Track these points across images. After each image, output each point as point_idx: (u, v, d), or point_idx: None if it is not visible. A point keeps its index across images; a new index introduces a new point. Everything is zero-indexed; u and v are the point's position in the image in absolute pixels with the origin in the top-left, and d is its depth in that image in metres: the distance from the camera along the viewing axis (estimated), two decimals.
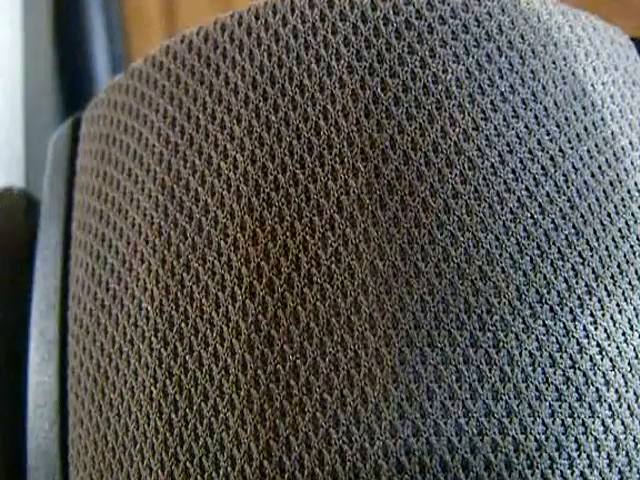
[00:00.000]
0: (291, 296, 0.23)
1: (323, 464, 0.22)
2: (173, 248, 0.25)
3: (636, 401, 0.23)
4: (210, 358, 0.23)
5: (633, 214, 0.25)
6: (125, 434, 0.24)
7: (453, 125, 0.24)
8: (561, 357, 0.22)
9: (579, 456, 0.22)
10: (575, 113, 0.26)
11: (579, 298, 0.23)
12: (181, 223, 0.25)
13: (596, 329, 0.23)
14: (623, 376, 0.23)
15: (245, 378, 0.23)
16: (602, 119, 0.26)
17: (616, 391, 0.22)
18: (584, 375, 0.22)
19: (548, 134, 0.25)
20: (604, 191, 0.25)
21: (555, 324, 0.23)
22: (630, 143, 0.26)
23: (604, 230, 0.24)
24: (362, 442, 0.22)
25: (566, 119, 0.25)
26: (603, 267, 0.24)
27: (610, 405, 0.22)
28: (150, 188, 0.26)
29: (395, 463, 0.21)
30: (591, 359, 0.23)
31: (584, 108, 0.26)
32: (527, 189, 0.24)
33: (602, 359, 0.23)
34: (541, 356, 0.22)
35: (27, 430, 0.27)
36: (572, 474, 0.22)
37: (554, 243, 0.23)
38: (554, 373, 0.22)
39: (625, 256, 0.24)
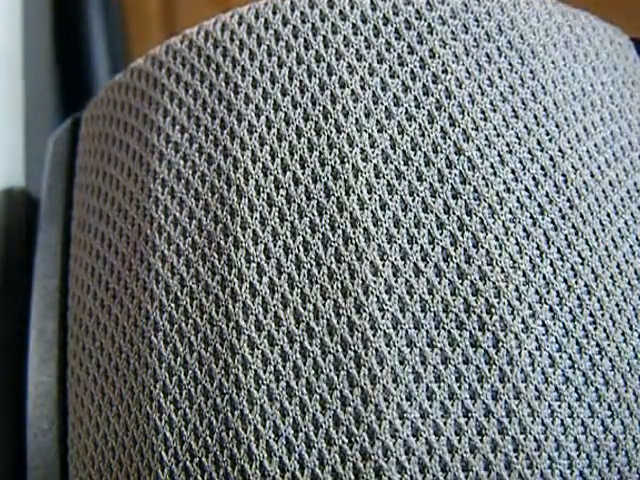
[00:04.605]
0: (292, 297, 0.23)
1: (324, 464, 0.22)
2: (173, 247, 0.25)
3: (635, 401, 0.23)
4: (210, 358, 0.23)
5: (632, 214, 0.25)
6: (125, 434, 0.24)
7: (453, 125, 0.24)
8: (560, 357, 0.22)
9: (578, 456, 0.22)
10: (574, 113, 0.26)
11: (578, 298, 0.23)
12: (181, 222, 0.25)
13: (595, 329, 0.23)
14: (622, 376, 0.23)
15: (245, 379, 0.23)
16: (601, 119, 0.26)
17: (615, 391, 0.22)
18: (583, 375, 0.22)
19: (547, 134, 0.25)
20: (603, 191, 0.25)
21: (554, 324, 0.23)
22: (629, 143, 0.26)
23: (603, 230, 0.24)
24: (362, 442, 0.22)
25: (565, 119, 0.25)
26: (602, 267, 0.24)
27: (610, 405, 0.22)
28: (150, 187, 0.26)
29: (395, 463, 0.21)
30: (590, 359, 0.23)
31: (583, 108, 0.26)
32: (526, 189, 0.24)
33: (601, 359, 0.23)
34: (540, 356, 0.22)
35: (27, 430, 0.27)
36: (572, 474, 0.22)
37: (553, 243, 0.23)
38: (553, 373, 0.22)
39: (624, 256, 0.24)
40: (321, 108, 0.25)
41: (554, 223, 0.24)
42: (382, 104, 0.25)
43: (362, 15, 0.26)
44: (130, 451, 0.23)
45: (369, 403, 0.22)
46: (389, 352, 0.22)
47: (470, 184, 0.24)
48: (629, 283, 0.24)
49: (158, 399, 0.23)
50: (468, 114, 0.25)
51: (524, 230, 0.23)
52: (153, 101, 0.27)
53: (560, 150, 0.25)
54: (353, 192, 0.24)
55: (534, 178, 0.24)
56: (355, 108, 0.25)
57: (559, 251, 0.23)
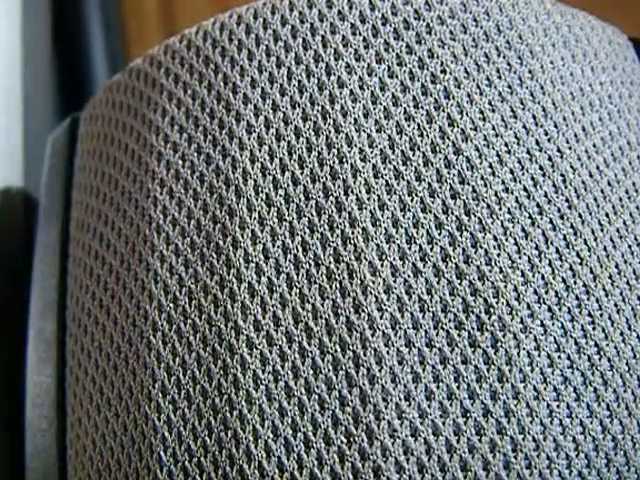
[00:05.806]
0: (290, 296, 0.23)
1: (322, 464, 0.22)
2: (172, 247, 0.25)
3: (634, 401, 0.23)
4: (209, 358, 0.23)
5: (631, 214, 0.25)
6: (123, 434, 0.24)
7: (452, 125, 0.24)
8: (559, 357, 0.22)
9: (577, 456, 0.22)
10: (573, 113, 0.26)
11: (577, 298, 0.23)
12: (180, 222, 0.25)
13: (594, 329, 0.23)
14: (621, 376, 0.23)
15: (244, 379, 0.23)
16: (600, 119, 0.26)
17: (614, 391, 0.22)
18: (582, 375, 0.22)
19: (546, 134, 0.25)
20: (602, 191, 0.25)
21: (553, 324, 0.23)
22: (628, 143, 0.26)
23: (602, 230, 0.24)
24: (361, 442, 0.22)
25: (564, 119, 0.25)
26: (601, 267, 0.24)
27: (608, 405, 0.22)
28: (149, 187, 0.26)
29: (394, 463, 0.22)
30: (589, 359, 0.23)
31: (582, 108, 0.26)
32: (525, 189, 0.24)
33: (600, 359, 0.23)
34: (539, 356, 0.22)
35: (25, 429, 0.27)
36: (570, 474, 0.22)
37: (552, 243, 0.23)
38: (552, 373, 0.22)
39: (623, 256, 0.24)
40: (320, 108, 0.25)
41: (553, 223, 0.24)
42: (381, 104, 0.25)
43: (361, 15, 0.26)
44: (129, 451, 0.23)
45: (368, 403, 0.22)
46: (388, 352, 0.22)
47: (469, 184, 0.24)
48: (628, 283, 0.24)
49: (157, 399, 0.23)
50: (467, 114, 0.25)
51: (523, 230, 0.23)
52: (152, 101, 0.27)
53: (559, 150, 0.25)
54: (352, 192, 0.24)
55: (533, 178, 0.24)
56: (354, 108, 0.25)
57: (558, 251, 0.23)
